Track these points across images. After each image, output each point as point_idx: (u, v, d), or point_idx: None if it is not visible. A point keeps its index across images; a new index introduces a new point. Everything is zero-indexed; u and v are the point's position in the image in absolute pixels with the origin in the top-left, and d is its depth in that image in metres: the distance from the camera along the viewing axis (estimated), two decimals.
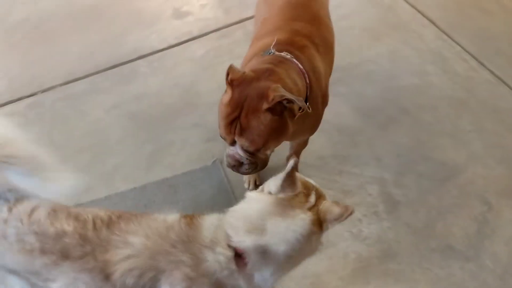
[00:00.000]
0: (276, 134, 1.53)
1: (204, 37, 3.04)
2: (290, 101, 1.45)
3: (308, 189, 1.27)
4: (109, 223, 1.26)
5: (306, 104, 1.59)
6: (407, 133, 2.40)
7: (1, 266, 1.28)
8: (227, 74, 1.50)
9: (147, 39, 3.05)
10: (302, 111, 1.57)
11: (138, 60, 2.91)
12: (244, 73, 1.52)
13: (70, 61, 2.94)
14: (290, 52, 1.67)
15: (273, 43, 1.69)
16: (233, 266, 1.20)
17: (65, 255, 1.21)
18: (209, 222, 1.27)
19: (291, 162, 1.23)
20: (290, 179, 1.24)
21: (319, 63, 1.77)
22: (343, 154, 2.31)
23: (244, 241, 1.19)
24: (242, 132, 1.50)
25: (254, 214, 1.23)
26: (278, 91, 1.44)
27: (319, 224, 1.24)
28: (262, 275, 1.22)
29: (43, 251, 1.22)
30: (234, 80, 1.50)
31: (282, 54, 1.65)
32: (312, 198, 1.25)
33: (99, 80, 2.80)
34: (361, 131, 2.40)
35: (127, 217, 1.28)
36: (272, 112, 1.47)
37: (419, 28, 2.98)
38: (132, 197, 2.16)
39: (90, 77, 2.81)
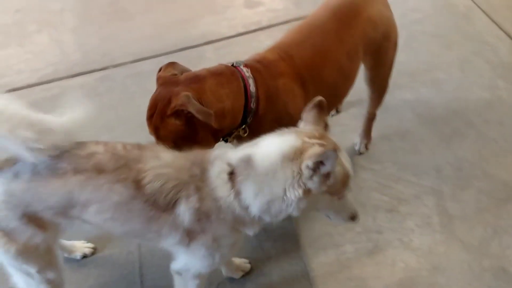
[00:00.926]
0: (184, 139, 1.51)
1: (273, 28, 3.05)
2: (194, 112, 1.45)
3: (324, 137, 1.27)
4: (139, 146, 1.36)
5: (243, 126, 1.62)
6: (470, 147, 2.33)
7: (37, 209, 1.32)
8: (159, 70, 1.55)
9: (216, 25, 3.10)
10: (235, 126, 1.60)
11: (205, 46, 2.97)
12: (173, 74, 1.56)
13: (141, 40, 3.04)
14: (259, 74, 1.63)
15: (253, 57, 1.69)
16: (225, 177, 1.26)
17: (99, 170, 1.27)
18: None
19: (318, 97, 1.30)
20: (313, 112, 1.31)
21: (294, 98, 1.68)
22: (402, 161, 2.27)
23: (237, 155, 1.28)
24: (154, 130, 1.53)
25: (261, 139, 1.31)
26: (181, 100, 1.44)
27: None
28: (247, 194, 1.25)
29: (77, 171, 1.26)
30: (160, 78, 1.57)
31: (243, 69, 1.62)
32: (316, 140, 1.24)
33: (167, 61, 2.86)
34: (424, 139, 2.36)
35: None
36: (176, 118, 1.48)
37: (494, 40, 2.87)
38: None
39: (158, 57, 2.89)
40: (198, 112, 1.45)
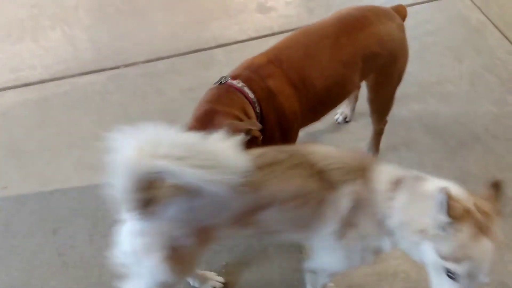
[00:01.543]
0: None
1: (284, 34, 3.03)
2: (246, 130, 1.49)
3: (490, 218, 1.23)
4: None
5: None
6: (477, 162, 2.32)
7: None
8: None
9: (228, 29, 3.13)
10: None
11: (216, 49, 2.99)
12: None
13: (154, 40, 3.07)
14: (250, 80, 1.67)
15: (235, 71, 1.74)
16: (390, 177, 1.31)
17: (274, 162, 1.32)
18: None
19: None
20: (490, 191, 1.29)
21: (287, 99, 1.71)
22: None
23: (407, 171, 1.36)
24: None
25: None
26: (232, 127, 1.47)
27: None
28: (398, 202, 1.28)
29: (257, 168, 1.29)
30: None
31: (233, 82, 1.66)
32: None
33: (179, 62, 2.90)
34: (430, 151, 2.36)
35: None
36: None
37: (505, 55, 2.86)
38: None
39: (171, 58, 2.92)
40: (250, 125, 1.53)
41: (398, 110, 2.53)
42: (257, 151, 1.35)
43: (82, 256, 2.03)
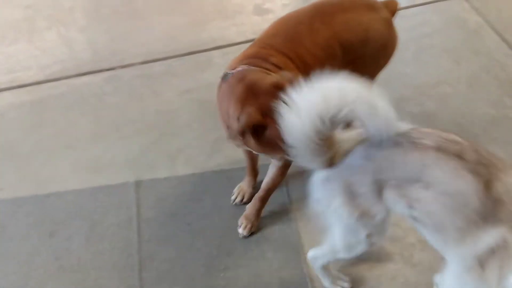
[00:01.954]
0: None
1: None
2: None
3: None
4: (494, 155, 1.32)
5: None
6: None
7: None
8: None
9: (226, 30, 3.12)
10: None
11: (214, 50, 2.98)
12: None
13: (151, 41, 3.06)
14: (254, 64, 1.66)
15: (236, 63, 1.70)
16: None
17: (460, 156, 1.25)
18: None
19: None
20: None
21: (293, 71, 1.70)
22: None
23: None
24: None
25: None
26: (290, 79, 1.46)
27: None
28: None
29: (439, 149, 1.28)
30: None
31: (239, 69, 1.63)
32: None
33: (176, 64, 2.89)
34: None
35: None
36: None
37: (503, 58, 2.86)
38: (191, 182, 2.23)
39: (167, 60, 2.91)
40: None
41: (396, 112, 2.53)
42: (454, 137, 1.32)
43: (79, 259, 2.01)
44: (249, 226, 2.02)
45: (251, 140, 1.51)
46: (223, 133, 2.42)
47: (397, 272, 1.94)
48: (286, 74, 1.50)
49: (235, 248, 2.01)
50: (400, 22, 3.08)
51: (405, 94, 2.62)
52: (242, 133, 1.48)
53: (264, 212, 2.11)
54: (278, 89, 1.43)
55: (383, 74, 2.73)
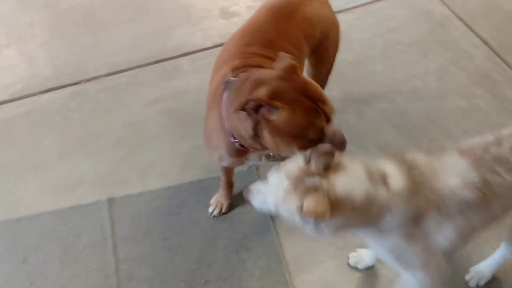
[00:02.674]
0: None
1: None
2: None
3: None
4: None
5: None
6: None
7: None
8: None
9: (192, 36, 3.06)
10: None
11: (181, 57, 2.93)
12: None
13: (115, 52, 2.98)
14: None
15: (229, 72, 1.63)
16: None
17: None
18: None
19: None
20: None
21: None
22: None
23: None
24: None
25: None
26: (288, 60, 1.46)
27: None
28: None
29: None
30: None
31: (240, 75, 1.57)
32: None
33: (142, 74, 2.82)
34: (402, 151, 2.33)
35: None
36: None
37: (470, 47, 2.88)
38: (166, 196, 2.17)
39: (133, 70, 2.84)
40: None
41: (367, 110, 2.53)
42: None
43: (55, 284, 1.94)
44: None
45: (264, 129, 1.41)
46: (196, 142, 2.39)
47: (379, 270, 1.92)
48: (284, 56, 1.45)
49: (215, 260, 1.97)
50: (365, 18, 3.13)
51: (375, 92, 2.62)
52: (255, 125, 1.40)
53: (243, 220, 2.07)
54: (286, 72, 1.40)
55: (352, 74, 2.74)
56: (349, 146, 1.46)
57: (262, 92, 1.36)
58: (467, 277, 1.89)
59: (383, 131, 2.42)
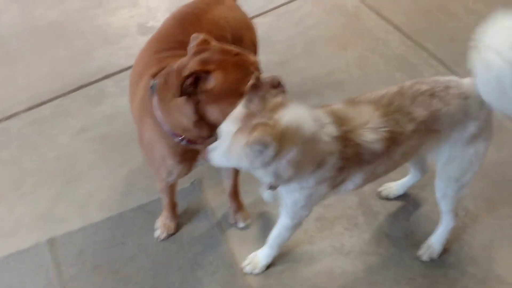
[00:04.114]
0: None
1: None
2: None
3: None
4: None
5: None
6: None
7: None
8: None
9: (113, 57, 2.98)
10: None
11: (105, 80, 2.84)
12: None
13: (34, 84, 2.85)
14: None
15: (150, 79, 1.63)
16: None
17: None
18: None
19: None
20: None
21: None
22: None
23: None
24: None
25: None
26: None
27: None
28: None
29: None
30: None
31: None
32: None
33: (66, 103, 2.71)
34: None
35: None
36: None
37: (384, 34, 3.01)
38: (109, 227, 2.10)
39: (56, 100, 2.72)
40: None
41: None
42: None
43: None
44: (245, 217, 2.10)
45: (207, 102, 1.42)
46: (133, 166, 2.34)
47: (332, 264, 1.98)
48: (195, 36, 1.49)
49: (171, 283, 1.94)
50: (284, 19, 3.18)
51: (305, 88, 2.67)
52: (196, 105, 1.43)
53: (192, 238, 2.06)
54: (201, 45, 1.44)
55: (280, 73, 2.76)
56: None
57: (192, 65, 1.39)
58: (419, 252, 2.00)
59: None
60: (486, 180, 2.22)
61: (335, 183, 1.52)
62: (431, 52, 2.84)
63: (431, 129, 1.52)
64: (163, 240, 2.05)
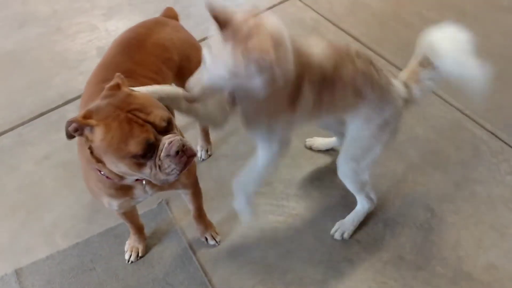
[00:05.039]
0: None
1: None
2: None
3: None
4: None
5: None
6: None
7: None
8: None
9: (73, 82, 2.95)
10: None
11: (65, 105, 2.80)
12: None
13: None
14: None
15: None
16: None
17: None
18: None
19: None
20: None
21: None
22: (287, 178, 2.33)
23: None
24: None
25: None
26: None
27: None
28: None
29: None
30: None
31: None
32: None
33: (26, 131, 2.65)
34: (301, 153, 2.43)
35: None
36: None
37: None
38: (76, 254, 2.05)
39: (15, 129, 2.66)
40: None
41: None
42: None
43: None
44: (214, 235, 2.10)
45: (95, 150, 1.36)
46: None
47: (302, 274, 1.98)
48: (116, 76, 1.40)
49: None
50: None
51: None
52: (90, 149, 1.36)
53: (162, 258, 2.03)
54: (110, 90, 1.36)
55: None
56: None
57: (79, 114, 1.32)
58: (332, 230, 2.10)
59: None
60: (448, 181, 2.28)
61: (293, 100, 1.52)
62: (389, 60, 2.91)
63: (358, 90, 1.60)
64: (132, 262, 2.02)
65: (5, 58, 3.20)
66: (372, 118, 1.69)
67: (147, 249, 2.06)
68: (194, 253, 2.05)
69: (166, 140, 1.33)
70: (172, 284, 1.94)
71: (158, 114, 1.33)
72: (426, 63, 1.70)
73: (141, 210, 2.13)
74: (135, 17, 3.26)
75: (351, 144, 1.80)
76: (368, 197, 2.00)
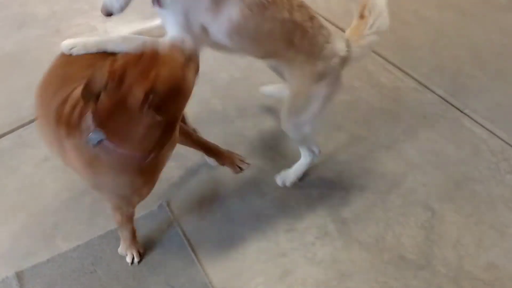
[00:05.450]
0: None
1: None
2: None
3: None
4: None
5: None
6: (345, 150, 2.45)
7: None
8: None
9: None
10: None
11: None
12: None
13: None
14: None
15: None
16: None
17: None
18: None
19: None
20: None
21: None
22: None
23: None
24: None
25: None
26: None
27: None
28: None
29: None
30: None
31: None
32: None
33: (26, 133, 2.64)
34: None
35: None
36: None
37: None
38: (77, 256, 2.05)
39: (15, 131, 2.65)
40: None
41: (263, 122, 2.59)
42: None
43: None
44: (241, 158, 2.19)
45: None
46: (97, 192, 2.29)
47: (305, 274, 1.98)
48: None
49: None
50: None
51: (267, 103, 2.69)
52: None
53: (163, 260, 2.03)
54: None
55: (243, 88, 2.80)
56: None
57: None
58: (276, 177, 2.24)
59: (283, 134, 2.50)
60: (449, 180, 2.29)
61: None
62: (387, 58, 2.91)
63: (287, 37, 1.69)
64: (134, 264, 2.02)
65: (4, 59, 3.20)
66: (305, 70, 1.76)
67: (147, 251, 2.06)
68: (196, 254, 2.05)
69: None
70: (173, 286, 1.94)
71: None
72: (365, 13, 1.87)
73: (141, 212, 2.13)
74: (134, 18, 3.25)
75: (291, 96, 1.88)
76: (310, 150, 2.12)
